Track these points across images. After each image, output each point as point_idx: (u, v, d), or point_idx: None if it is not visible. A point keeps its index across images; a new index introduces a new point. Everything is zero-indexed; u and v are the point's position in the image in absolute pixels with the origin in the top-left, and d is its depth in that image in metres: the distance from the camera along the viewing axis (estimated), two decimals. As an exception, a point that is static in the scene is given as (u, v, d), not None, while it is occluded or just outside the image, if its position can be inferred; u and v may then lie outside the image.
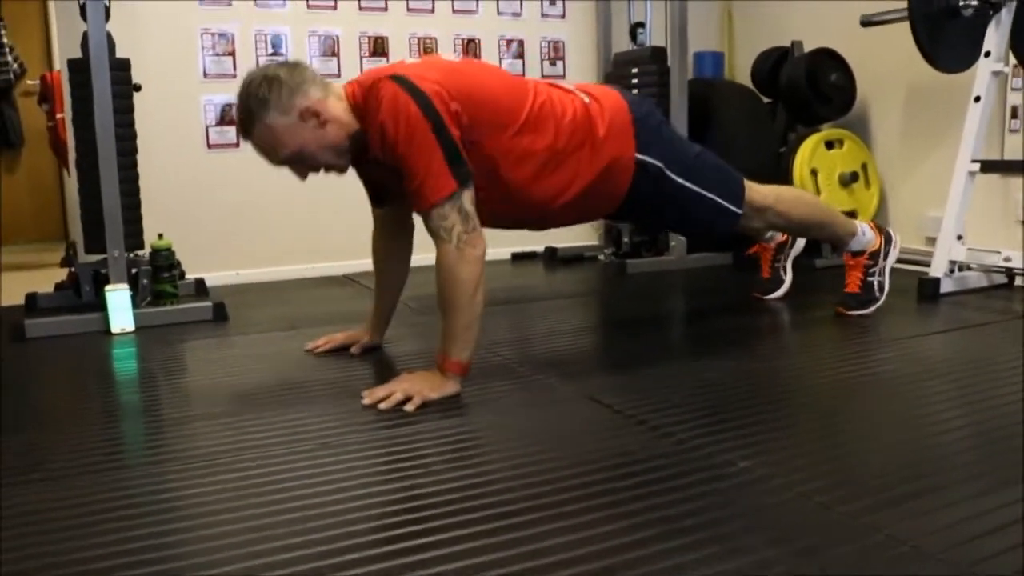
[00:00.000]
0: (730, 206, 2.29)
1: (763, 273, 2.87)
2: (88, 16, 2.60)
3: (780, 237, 2.82)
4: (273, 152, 1.92)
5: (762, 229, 2.61)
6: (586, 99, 2.10)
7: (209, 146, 3.56)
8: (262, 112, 1.87)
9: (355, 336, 2.32)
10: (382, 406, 1.78)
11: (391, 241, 2.30)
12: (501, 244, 4.03)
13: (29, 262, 4.76)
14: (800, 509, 1.24)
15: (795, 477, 1.35)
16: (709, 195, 2.25)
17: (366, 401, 1.81)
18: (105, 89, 2.60)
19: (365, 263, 2.43)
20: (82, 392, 2.07)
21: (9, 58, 5.55)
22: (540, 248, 4.09)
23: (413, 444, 1.56)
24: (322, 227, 3.71)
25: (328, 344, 2.31)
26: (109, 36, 2.71)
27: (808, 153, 3.52)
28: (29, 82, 5.55)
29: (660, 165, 2.15)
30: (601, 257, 3.93)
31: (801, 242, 2.83)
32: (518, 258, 4.08)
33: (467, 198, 1.84)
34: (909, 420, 1.66)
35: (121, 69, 2.73)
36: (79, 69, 2.68)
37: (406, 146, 1.80)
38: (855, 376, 1.97)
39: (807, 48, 3.71)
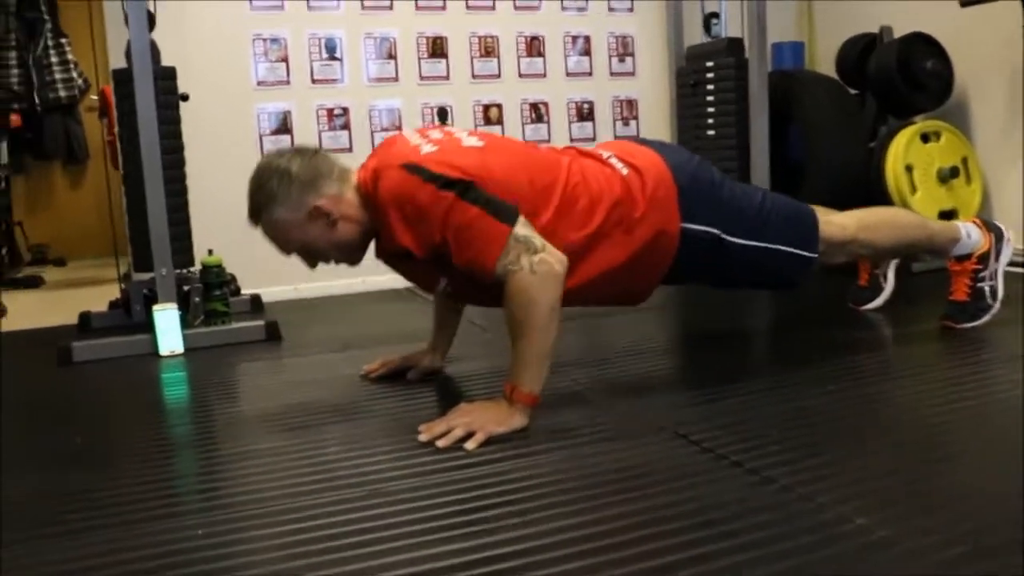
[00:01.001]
0: (803, 252, 2.02)
1: (860, 280, 2.60)
2: (130, 22, 2.48)
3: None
4: (279, 244, 1.83)
5: (848, 262, 2.30)
6: (624, 171, 1.86)
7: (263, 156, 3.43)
8: (270, 206, 1.76)
9: (413, 359, 2.13)
10: (440, 443, 1.58)
11: None
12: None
13: (94, 277, 4.72)
14: (942, 585, 1.01)
15: (925, 541, 1.11)
16: (778, 247, 1.98)
17: (423, 437, 1.61)
18: (149, 98, 2.48)
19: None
20: (126, 425, 1.93)
21: (74, 74, 5.57)
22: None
23: (471, 492, 1.37)
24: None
25: (384, 368, 2.13)
26: (153, 44, 2.60)
27: (902, 147, 3.23)
28: (92, 97, 5.54)
29: (716, 232, 1.91)
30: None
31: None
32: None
33: (520, 227, 1.66)
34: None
35: (166, 78, 2.62)
36: (124, 80, 2.56)
37: (448, 233, 1.66)
38: (976, 404, 1.71)
39: (897, 33, 3.42)
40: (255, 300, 3.12)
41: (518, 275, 1.63)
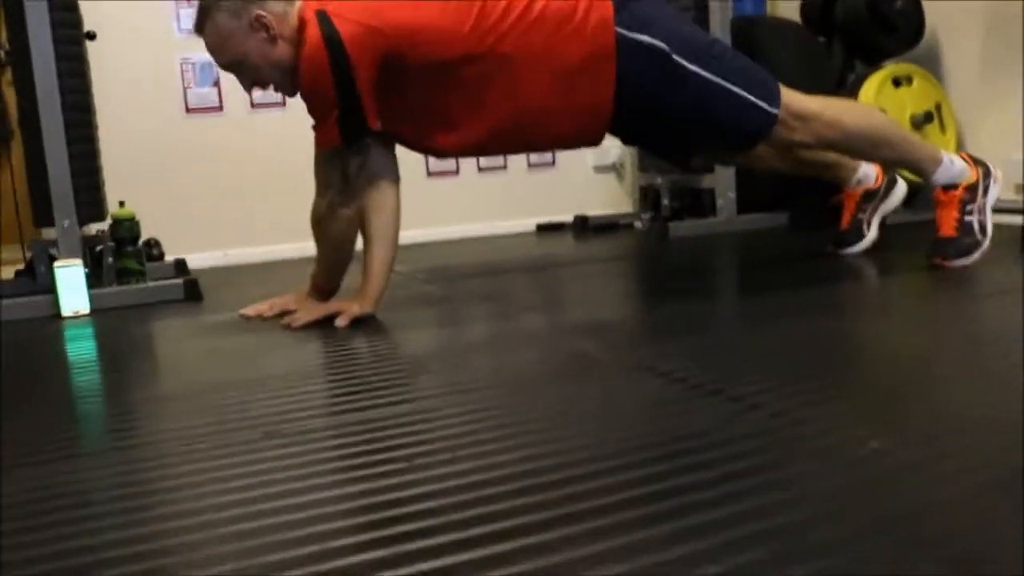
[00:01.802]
0: (761, 103, 1.88)
1: (842, 223, 2.38)
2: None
3: (870, 183, 2.33)
4: (217, 54, 1.84)
5: (810, 145, 2.08)
6: None
7: (188, 110, 3.15)
8: (214, 10, 1.79)
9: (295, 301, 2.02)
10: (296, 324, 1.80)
11: (335, 223, 1.96)
12: (524, 215, 3.61)
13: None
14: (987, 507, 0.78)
15: (949, 465, 0.88)
16: (732, 88, 1.86)
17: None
18: (42, 25, 2.19)
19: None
20: (8, 391, 1.66)
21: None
22: (568, 218, 3.65)
23: (391, 430, 1.13)
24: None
25: (270, 310, 2.01)
26: (51, -29, 2.31)
27: (873, 93, 3.04)
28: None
29: (662, 46, 1.81)
30: (638, 224, 3.48)
31: (898, 194, 2.33)
32: (544, 229, 3.64)
33: (355, 161, 1.82)
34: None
35: (66, 9, 2.32)
36: (14, 5, 2.26)
37: (304, 93, 1.79)
38: (966, 334, 1.52)
39: (864, -24, 3.23)
40: (179, 264, 2.84)
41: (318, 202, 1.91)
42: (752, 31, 3.29)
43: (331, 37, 1.70)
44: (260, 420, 1.20)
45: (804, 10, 3.44)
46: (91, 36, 2.48)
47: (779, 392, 1.15)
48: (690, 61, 1.83)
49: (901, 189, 2.34)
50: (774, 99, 1.90)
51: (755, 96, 1.88)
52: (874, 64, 3.21)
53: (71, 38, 2.33)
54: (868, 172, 2.32)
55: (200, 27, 1.82)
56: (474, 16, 1.79)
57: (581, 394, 1.26)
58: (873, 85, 3.06)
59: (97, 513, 0.93)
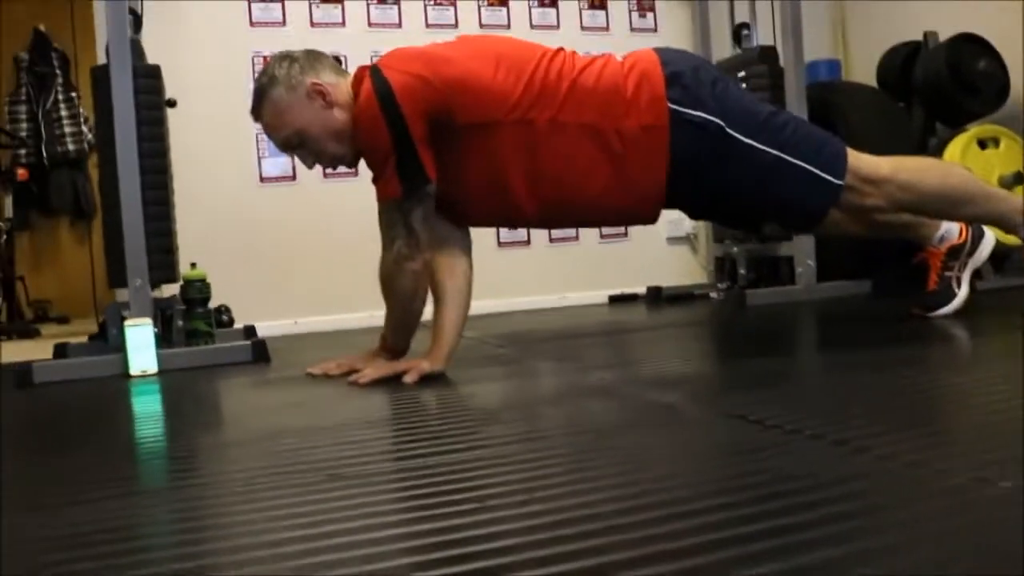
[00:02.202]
0: (825, 175, 1.78)
1: (928, 284, 2.25)
2: (107, 14, 2.26)
3: (955, 238, 2.21)
4: (276, 131, 1.84)
5: (885, 210, 1.95)
6: (609, 59, 1.83)
7: (262, 179, 3.20)
8: (270, 88, 1.81)
9: (364, 360, 1.96)
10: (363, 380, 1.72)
11: (401, 279, 1.92)
12: (596, 287, 3.54)
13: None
14: None
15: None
16: (793, 160, 1.76)
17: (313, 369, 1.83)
18: (126, 89, 2.24)
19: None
20: (67, 438, 1.63)
21: (84, 128, 5.44)
22: (642, 290, 3.57)
23: (461, 474, 1.05)
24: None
25: (336, 368, 1.94)
26: (137, 42, 2.39)
27: (958, 156, 2.94)
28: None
29: (718, 122, 1.72)
30: (713, 295, 3.38)
31: (987, 247, 2.19)
32: (616, 300, 3.57)
33: (417, 213, 1.78)
34: None
35: (149, 76, 2.39)
36: (101, 77, 2.33)
37: (364, 148, 1.80)
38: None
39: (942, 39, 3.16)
40: (248, 330, 2.83)
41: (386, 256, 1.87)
42: (828, 97, 3.23)
43: (382, 88, 1.70)
44: (322, 464, 1.13)
45: (881, 73, 3.38)
46: (172, 103, 2.54)
47: (885, 437, 1.04)
48: (747, 135, 1.75)
49: (989, 240, 2.20)
50: (839, 168, 1.80)
51: (818, 167, 1.78)
52: (957, 126, 3.11)
53: (152, 104, 2.38)
54: (951, 227, 2.19)
55: (257, 109, 1.84)
56: (526, 79, 1.74)
57: (668, 439, 1.17)
58: (958, 148, 2.96)
59: (150, 546, 0.87)
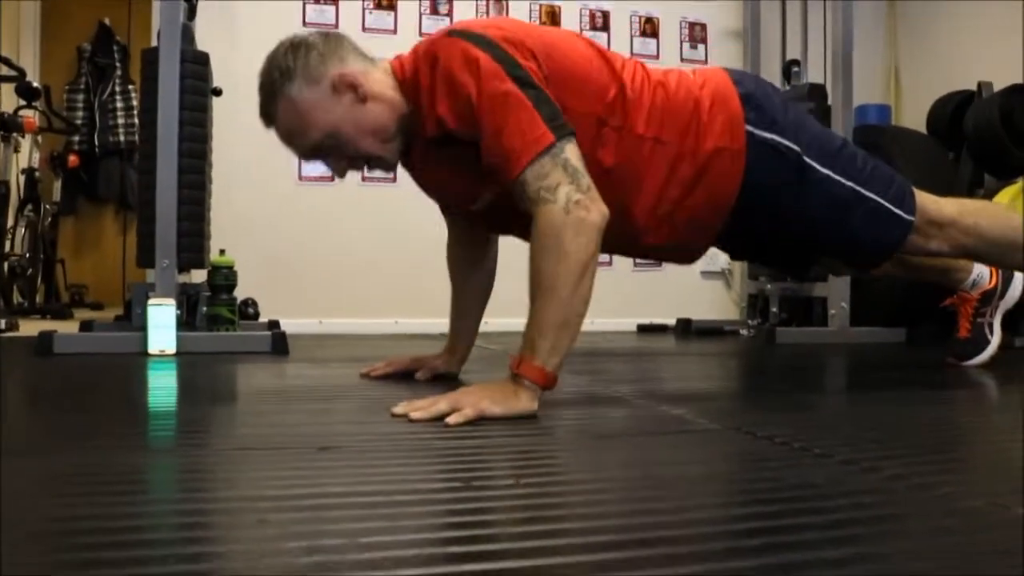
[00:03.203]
0: (898, 211, 1.63)
1: (960, 331, 2.19)
2: (162, -2, 2.30)
3: (986, 283, 2.15)
4: (300, 137, 1.47)
5: (946, 254, 1.83)
6: (690, 74, 1.60)
7: (301, 178, 3.22)
8: (284, 84, 1.43)
9: (424, 360, 1.80)
10: (415, 415, 1.23)
11: (470, 248, 1.80)
12: (625, 315, 3.50)
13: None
14: None
15: None
16: (867, 193, 1.61)
17: (398, 409, 1.27)
18: (172, 70, 2.26)
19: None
20: (78, 400, 1.63)
21: (137, 121, 5.54)
22: (671, 321, 3.52)
23: (466, 459, 1.02)
24: (422, 277, 3.24)
25: (389, 368, 1.80)
26: (188, 27, 2.42)
27: (1007, 204, 2.86)
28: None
29: (796, 148, 1.55)
30: (743, 332, 3.33)
31: (1016, 288, 2.15)
32: (645, 329, 3.52)
33: (572, 153, 1.35)
34: None
35: (197, 62, 2.42)
36: (151, 59, 2.37)
37: (483, 104, 1.35)
38: None
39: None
40: (272, 324, 2.83)
41: (547, 208, 1.30)
42: (876, 140, 3.17)
43: (481, 40, 1.39)
44: (315, 438, 1.11)
45: (931, 120, 3.32)
46: (217, 92, 2.57)
47: (896, 460, 1.00)
48: (823, 164, 1.58)
49: (1019, 281, 2.14)
50: (910, 204, 1.66)
51: (890, 202, 1.64)
52: (1005, 178, 3.04)
53: (198, 89, 2.41)
54: (983, 271, 2.13)
55: (268, 112, 1.48)
56: (617, 83, 1.49)
57: (674, 447, 1.13)
58: (1006, 199, 2.88)
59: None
